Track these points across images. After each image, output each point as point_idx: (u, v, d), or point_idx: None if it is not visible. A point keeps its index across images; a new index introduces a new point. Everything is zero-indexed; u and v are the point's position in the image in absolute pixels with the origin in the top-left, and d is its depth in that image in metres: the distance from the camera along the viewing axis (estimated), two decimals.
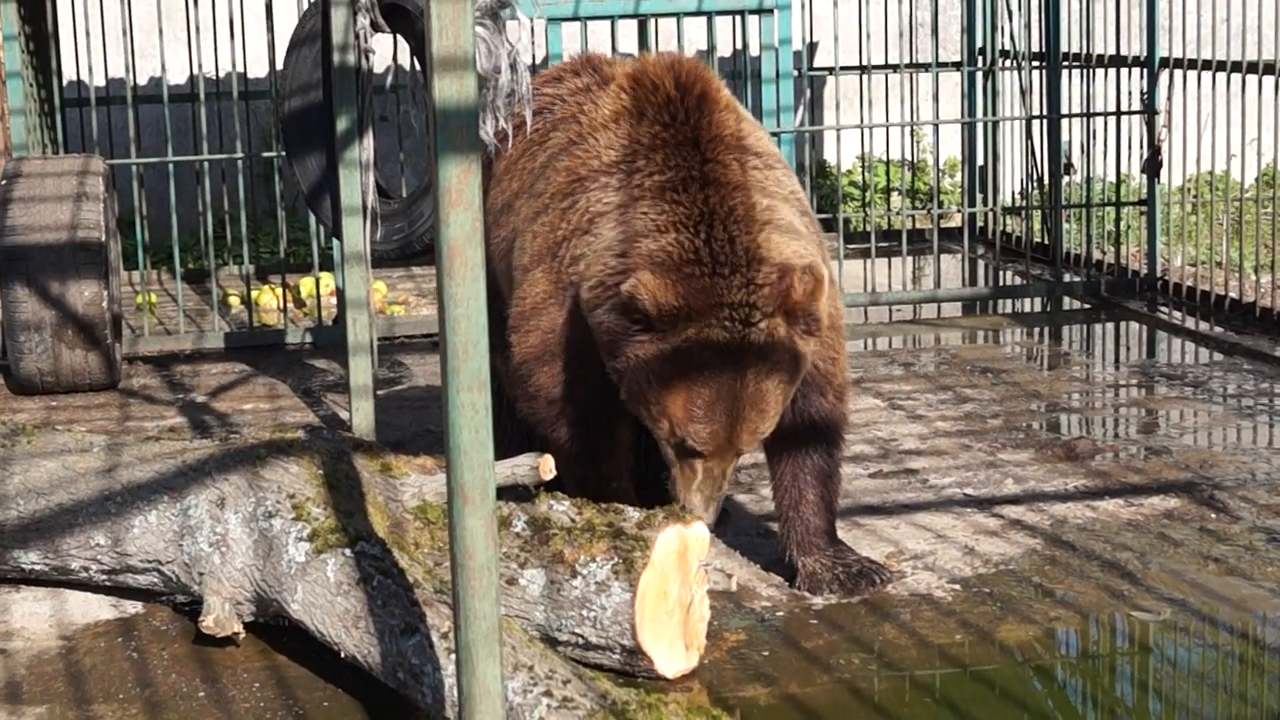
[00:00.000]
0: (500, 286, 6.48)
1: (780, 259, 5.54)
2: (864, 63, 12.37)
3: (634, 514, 5.52)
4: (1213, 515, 6.84)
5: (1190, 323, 10.57)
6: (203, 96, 11.06)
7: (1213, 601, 5.97)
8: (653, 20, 10.70)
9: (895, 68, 13.06)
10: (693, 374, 5.49)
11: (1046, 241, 12.40)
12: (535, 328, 6.10)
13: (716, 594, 5.93)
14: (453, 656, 4.63)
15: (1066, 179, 12.29)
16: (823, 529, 6.19)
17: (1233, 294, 10.67)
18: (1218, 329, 10.31)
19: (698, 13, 10.22)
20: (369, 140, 7.84)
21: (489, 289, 4.05)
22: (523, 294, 6.17)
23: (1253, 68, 10.37)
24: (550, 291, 6.07)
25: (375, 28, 7.58)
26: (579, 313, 5.94)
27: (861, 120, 12.25)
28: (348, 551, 5.37)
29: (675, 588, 5.40)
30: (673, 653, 5.40)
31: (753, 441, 5.69)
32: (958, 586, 6.17)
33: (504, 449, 5.54)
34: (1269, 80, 10.33)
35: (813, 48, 14.36)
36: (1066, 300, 11.46)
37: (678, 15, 10.22)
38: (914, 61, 13.24)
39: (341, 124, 7.67)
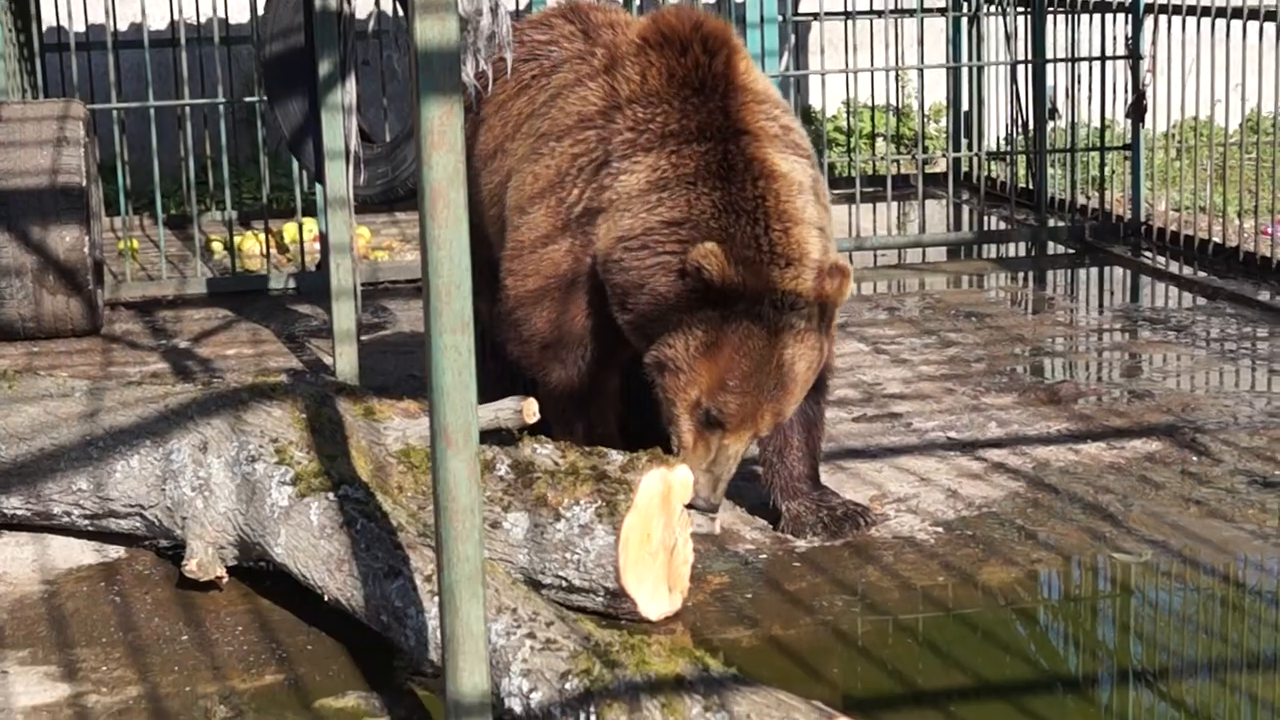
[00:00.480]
0: (487, 232, 6.46)
1: (819, 255, 5.71)
2: (848, 8, 12.33)
3: (617, 457, 5.52)
4: (1194, 458, 6.86)
5: (1174, 267, 10.58)
6: (184, 41, 11.01)
7: (1194, 543, 5.99)
8: None
9: (880, 13, 13.03)
10: (734, 347, 5.62)
11: (1031, 186, 12.38)
12: (535, 270, 6.09)
13: (700, 537, 5.94)
14: (436, 599, 4.64)
15: (1051, 124, 12.27)
16: (806, 473, 6.21)
17: (1216, 239, 10.67)
18: (1201, 273, 10.32)
19: None
20: (351, 84, 7.81)
21: (474, 234, 4.04)
22: (520, 236, 6.16)
23: (1237, 13, 10.34)
24: (551, 234, 6.05)
25: None
26: (584, 258, 5.94)
27: (846, 65, 12.22)
28: (331, 495, 5.37)
29: (659, 530, 5.40)
30: (656, 595, 5.41)
31: (773, 424, 5.79)
32: (940, 529, 6.18)
33: (486, 395, 5.54)
34: (1253, 25, 10.31)
35: None
36: (1051, 245, 11.45)
37: None
38: (899, 7, 13.21)
39: (323, 68, 7.64)
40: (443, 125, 3.88)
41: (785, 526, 6.16)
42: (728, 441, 5.72)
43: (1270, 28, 10.11)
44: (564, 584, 5.39)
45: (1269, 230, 10.46)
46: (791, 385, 5.71)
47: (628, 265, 5.79)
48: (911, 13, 12.86)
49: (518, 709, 4.49)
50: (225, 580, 5.68)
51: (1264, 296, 9.59)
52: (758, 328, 5.61)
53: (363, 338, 8.41)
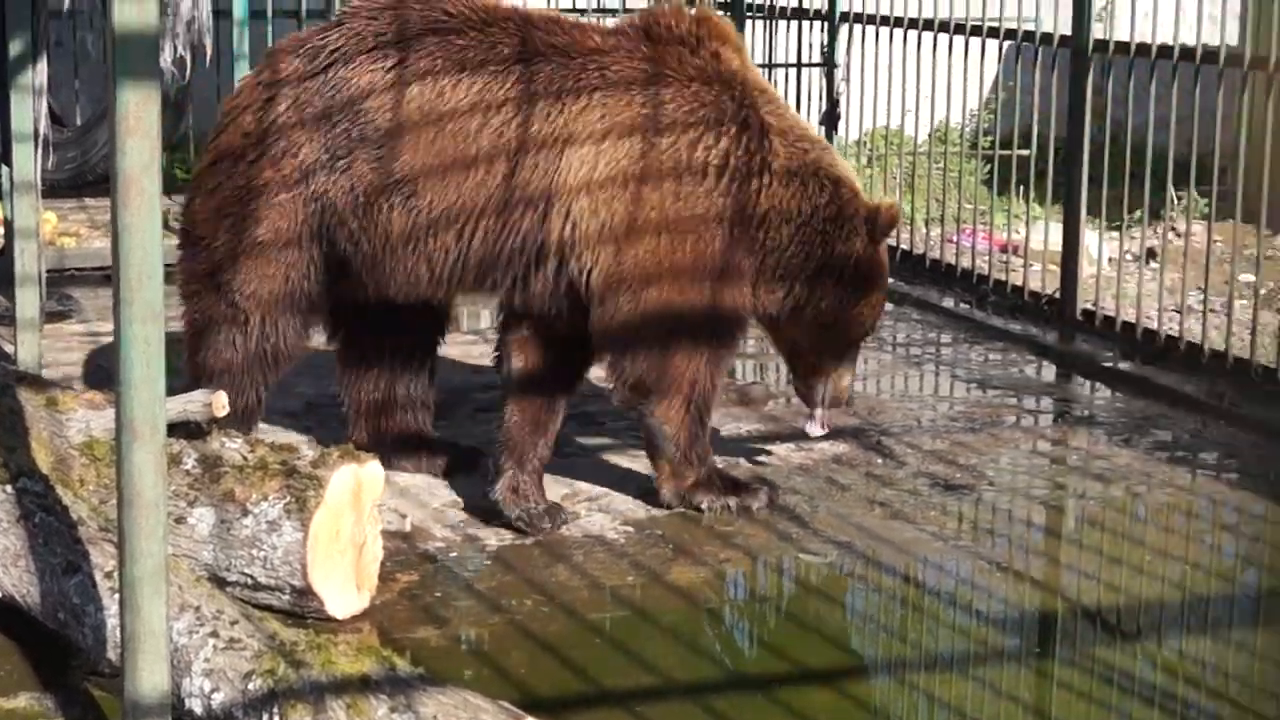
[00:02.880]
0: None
1: None
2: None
3: (309, 452, 5.46)
4: (879, 461, 7.01)
5: None
6: None
7: (877, 544, 6.12)
8: None
9: (583, 12, 13.05)
10: (882, 265, 6.83)
11: None
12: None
13: (390, 534, 5.91)
14: (117, 596, 4.53)
15: None
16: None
17: (904, 246, 10.90)
18: (889, 280, 10.52)
19: None
20: (43, 65, 7.62)
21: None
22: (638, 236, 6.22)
23: (929, 25, 10.57)
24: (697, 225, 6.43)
25: None
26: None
27: None
28: (8, 488, 5.21)
29: (349, 527, 5.35)
30: (344, 593, 5.36)
31: None
32: (631, 528, 6.22)
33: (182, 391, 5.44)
34: (944, 38, 10.54)
35: None
36: None
37: None
38: (584, 6, 13.25)
39: (15, 48, 7.43)
40: (139, 111, 3.80)
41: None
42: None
43: (960, 40, 10.35)
44: (250, 581, 5.31)
45: (954, 239, 10.73)
46: None
47: (805, 240, 6.58)
48: (613, 12, 12.93)
49: (199, 710, 4.41)
50: None
51: (948, 303, 9.84)
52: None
53: (46, 326, 8.20)
